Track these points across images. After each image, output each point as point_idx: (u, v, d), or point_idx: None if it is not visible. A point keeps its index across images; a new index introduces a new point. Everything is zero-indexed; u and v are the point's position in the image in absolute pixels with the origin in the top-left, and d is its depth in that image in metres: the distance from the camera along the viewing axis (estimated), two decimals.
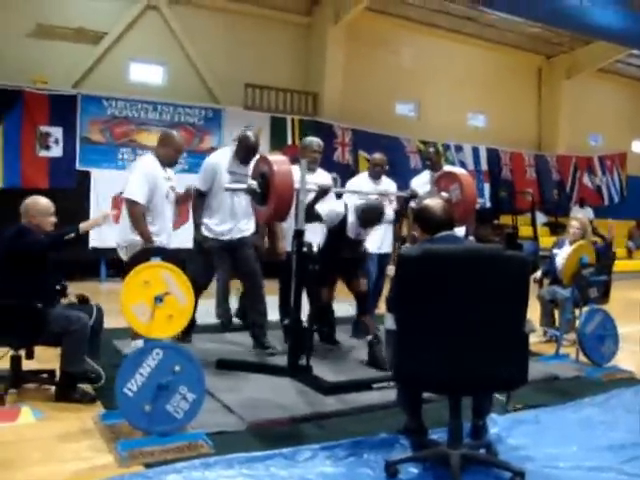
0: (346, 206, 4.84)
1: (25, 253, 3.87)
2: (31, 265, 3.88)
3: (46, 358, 4.17)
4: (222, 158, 5.14)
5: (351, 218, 4.78)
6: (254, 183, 4.35)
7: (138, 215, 4.50)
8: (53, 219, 4.12)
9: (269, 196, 4.22)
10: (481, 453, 3.26)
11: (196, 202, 5.13)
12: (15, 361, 3.96)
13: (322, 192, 4.68)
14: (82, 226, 4.06)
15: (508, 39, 15.07)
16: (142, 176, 4.56)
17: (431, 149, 6.15)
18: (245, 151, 5.06)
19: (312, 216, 4.68)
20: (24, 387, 4.04)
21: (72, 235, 3.97)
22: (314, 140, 5.52)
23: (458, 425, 3.05)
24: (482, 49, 14.92)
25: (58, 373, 3.99)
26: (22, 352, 3.98)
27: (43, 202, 4.13)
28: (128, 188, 4.58)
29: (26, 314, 3.79)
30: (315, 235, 4.88)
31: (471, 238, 5.73)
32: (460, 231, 5.57)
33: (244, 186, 4.46)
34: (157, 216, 4.63)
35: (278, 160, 4.32)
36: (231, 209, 5.08)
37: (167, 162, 4.72)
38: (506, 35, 14.87)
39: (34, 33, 10.29)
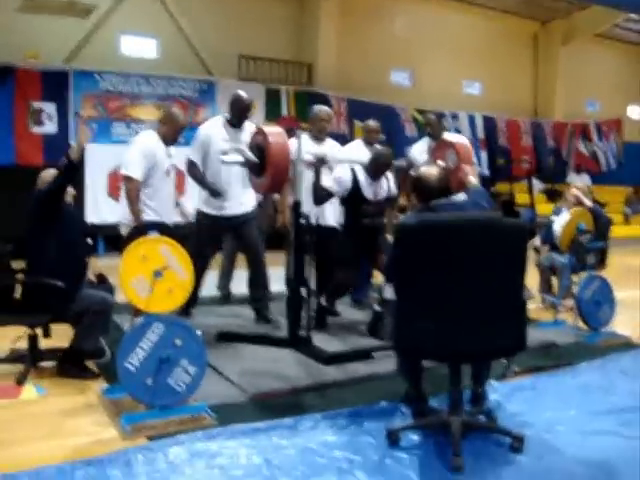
0: (353, 169, 4.75)
1: (44, 196, 3.90)
2: (52, 227, 3.86)
3: (58, 335, 4.14)
4: (214, 127, 5.05)
5: (362, 177, 4.73)
6: (250, 155, 4.32)
7: (133, 191, 4.45)
8: (72, 190, 4.14)
9: (265, 167, 4.21)
10: (481, 420, 3.31)
11: (195, 172, 5.02)
12: (32, 340, 3.95)
13: (319, 163, 4.62)
14: (71, 152, 3.99)
15: (503, 5, 14.90)
16: (139, 152, 4.51)
17: (432, 116, 6.06)
18: (239, 112, 4.99)
19: (322, 194, 4.66)
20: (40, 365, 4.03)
21: (65, 161, 3.92)
22: (323, 108, 5.41)
23: (458, 392, 3.09)
24: (477, 16, 14.76)
25: (67, 348, 3.97)
26: (39, 330, 3.97)
27: (50, 173, 4.14)
28: (124, 164, 4.55)
29: (50, 293, 3.78)
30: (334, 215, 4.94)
31: None
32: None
33: (240, 159, 4.44)
34: (155, 193, 4.56)
35: (274, 131, 4.31)
36: (227, 179, 5.00)
37: (168, 140, 4.66)
38: (501, 1, 14.70)
39: (23, 8, 10.14)
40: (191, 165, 5.02)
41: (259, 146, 4.29)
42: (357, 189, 4.68)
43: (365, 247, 4.78)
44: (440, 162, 4.64)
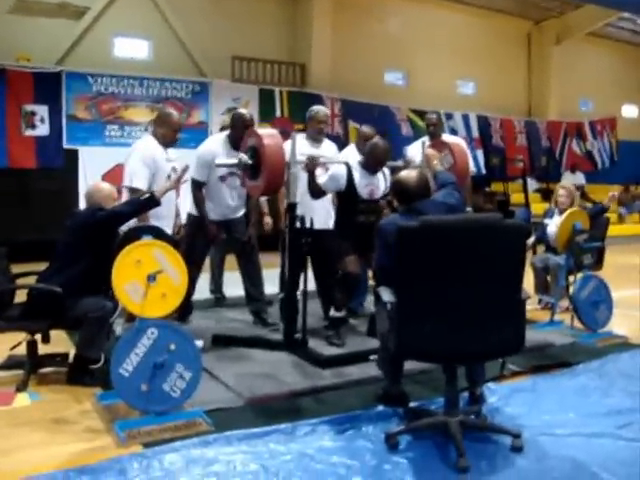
0: (348, 166, 4.62)
1: (105, 222, 3.86)
2: (99, 245, 3.80)
3: (56, 341, 4.13)
4: (217, 146, 4.92)
5: (357, 175, 4.62)
6: (245, 157, 4.29)
7: None
8: (117, 204, 4.10)
9: (261, 170, 4.18)
10: (476, 419, 3.30)
11: (198, 196, 4.89)
12: (31, 346, 3.90)
13: (311, 163, 4.53)
14: (158, 190, 4.03)
15: (496, 4, 14.89)
16: (140, 161, 4.40)
17: (434, 115, 5.92)
18: (241, 131, 4.74)
19: (316, 191, 4.59)
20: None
21: (147, 196, 3.95)
22: (320, 109, 5.29)
23: (454, 393, 3.09)
24: (470, 15, 14.75)
25: (72, 356, 3.94)
26: (38, 337, 3.92)
27: (107, 188, 4.15)
28: (127, 175, 4.40)
29: (47, 299, 3.74)
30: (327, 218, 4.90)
31: (469, 209, 5.62)
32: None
33: (235, 161, 4.41)
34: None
35: (268, 133, 4.27)
36: (227, 201, 4.97)
37: (166, 142, 4.57)
38: (494, 1, 14.69)
39: (15, 9, 10.06)
40: (197, 186, 4.88)
41: (253, 148, 4.25)
42: (352, 187, 4.60)
43: (359, 246, 4.69)
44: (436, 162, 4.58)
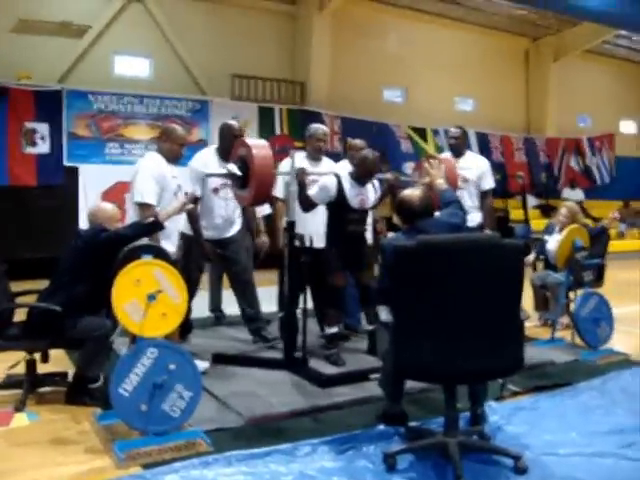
0: (338, 177, 4.59)
1: (108, 243, 3.79)
2: (101, 266, 3.75)
3: (55, 360, 4.12)
4: (207, 159, 4.92)
5: (347, 185, 4.59)
6: (234, 167, 4.31)
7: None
8: (120, 225, 4.08)
9: (249, 180, 4.20)
10: (478, 440, 3.27)
11: (193, 212, 4.79)
12: (30, 365, 3.89)
13: (300, 175, 4.49)
14: (162, 215, 4.01)
15: (494, 22, 14.99)
16: (149, 176, 4.33)
17: (456, 129, 5.79)
18: (230, 141, 4.78)
19: (307, 203, 4.58)
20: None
21: (151, 220, 3.93)
22: (319, 128, 5.28)
23: (454, 414, 3.06)
24: (468, 33, 14.85)
25: (72, 375, 3.92)
26: (37, 356, 3.92)
27: (110, 208, 4.12)
28: (137, 192, 4.31)
29: (47, 318, 3.73)
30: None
31: (487, 231, 5.56)
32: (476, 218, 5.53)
33: (224, 171, 4.43)
34: None
35: (257, 144, 4.30)
36: (221, 213, 4.94)
37: (172, 157, 4.52)
38: (492, 18, 14.80)
39: (17, 28, 10.12)
40: (194, 201, 4.78)
41: (242, 158, 4.28)
42: (342, 197, 4.60)
43: (348, 256, 4.69)
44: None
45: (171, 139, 4.55)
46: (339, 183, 4.55)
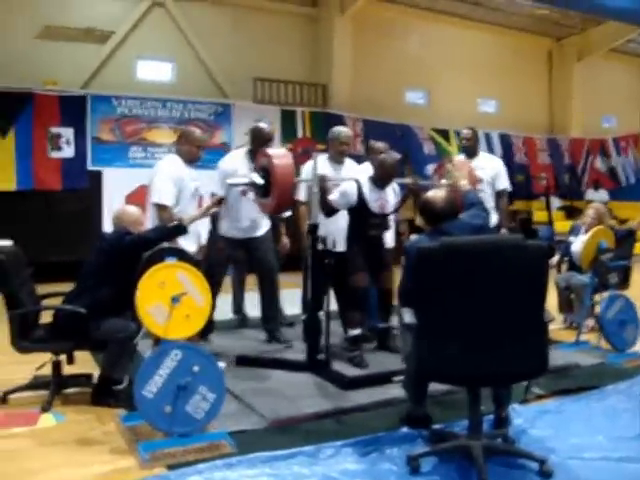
0: (358, 182, 4.60)
1: (132, 247, 3.85)
2: (125, 269, 3.81)
3: (81, 361, 4.16)
4: (238, 161, 4.99)
5: (367, 189, 4.60)
6: (256, 176, 4.35)
7: (168, 220, 4.24)
8: (143, 228, 4.12)
9: (271, 189, 4.23)
10: (502, 443, 3.24)
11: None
12: (56, 366, 3.94)
13: (321, 180, 4.51)
14: (186, 219, 4.07)
15: (517, 23, 14.88)
16: (168, 178, 4.41)
17: (468, 130, 5.78)
18: (261, 144, 4.86)
19: (329, 208, 4.59)
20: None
21: (175, 223, 3.98)
22: (343, 131, 5.27)
23: (478, 416, 3.04)
24: (491, 34, 14.76)
25: (97, 376, 3.96)
26: (62, 357, 3.96)
27: (135, 212, 4.16)
28: (155, 192, 4.40)
29: (72, 320, 3.78)
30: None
31: (503, 231, 5.55)
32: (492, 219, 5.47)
33: (246, 180, 4.46)
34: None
35: (278, 153, 4.34)
36: (250, 214, 4.98)
37: (190, 159, 4.60)
38: (514, 19, 14.68)
39: (42, 35, 10.27)
40: (219, 202, 4.82)
41: (264, 168, 4.32)
42: (362, 202, 4.60)
43: (369, 259, 4.66)
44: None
45: (189, 141, 4.61)
46: (359, 188, 4.55)
